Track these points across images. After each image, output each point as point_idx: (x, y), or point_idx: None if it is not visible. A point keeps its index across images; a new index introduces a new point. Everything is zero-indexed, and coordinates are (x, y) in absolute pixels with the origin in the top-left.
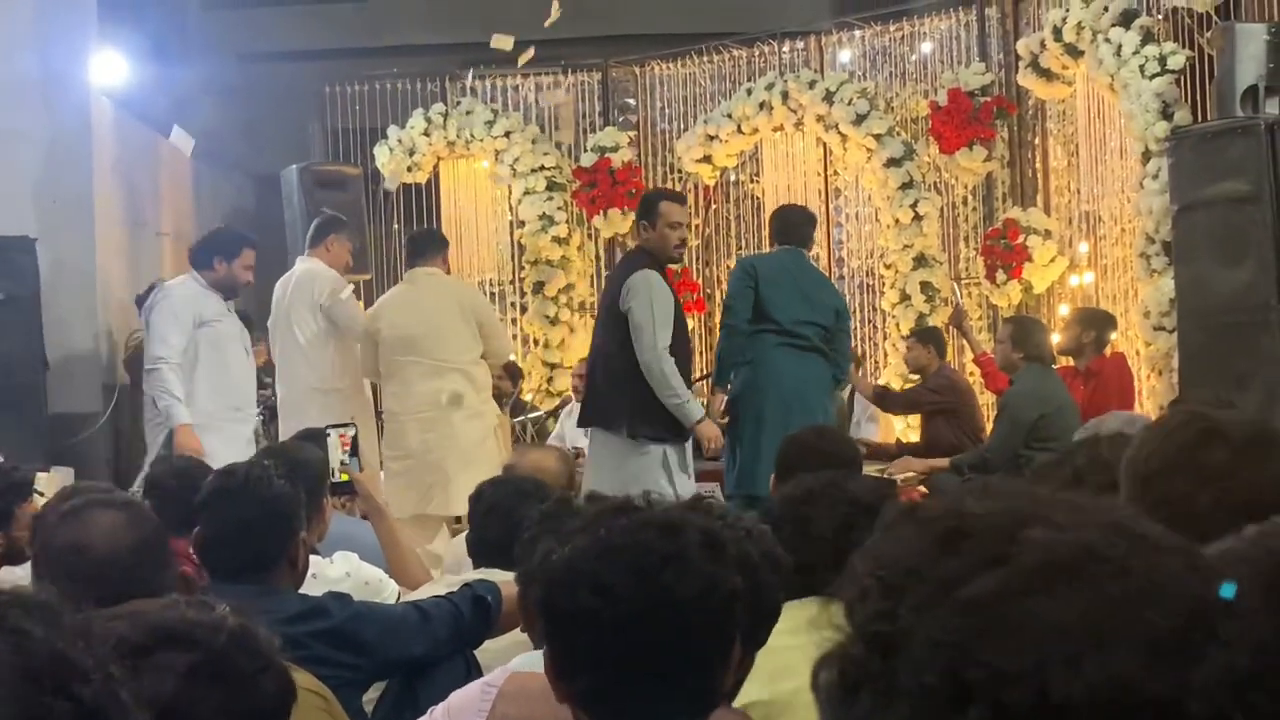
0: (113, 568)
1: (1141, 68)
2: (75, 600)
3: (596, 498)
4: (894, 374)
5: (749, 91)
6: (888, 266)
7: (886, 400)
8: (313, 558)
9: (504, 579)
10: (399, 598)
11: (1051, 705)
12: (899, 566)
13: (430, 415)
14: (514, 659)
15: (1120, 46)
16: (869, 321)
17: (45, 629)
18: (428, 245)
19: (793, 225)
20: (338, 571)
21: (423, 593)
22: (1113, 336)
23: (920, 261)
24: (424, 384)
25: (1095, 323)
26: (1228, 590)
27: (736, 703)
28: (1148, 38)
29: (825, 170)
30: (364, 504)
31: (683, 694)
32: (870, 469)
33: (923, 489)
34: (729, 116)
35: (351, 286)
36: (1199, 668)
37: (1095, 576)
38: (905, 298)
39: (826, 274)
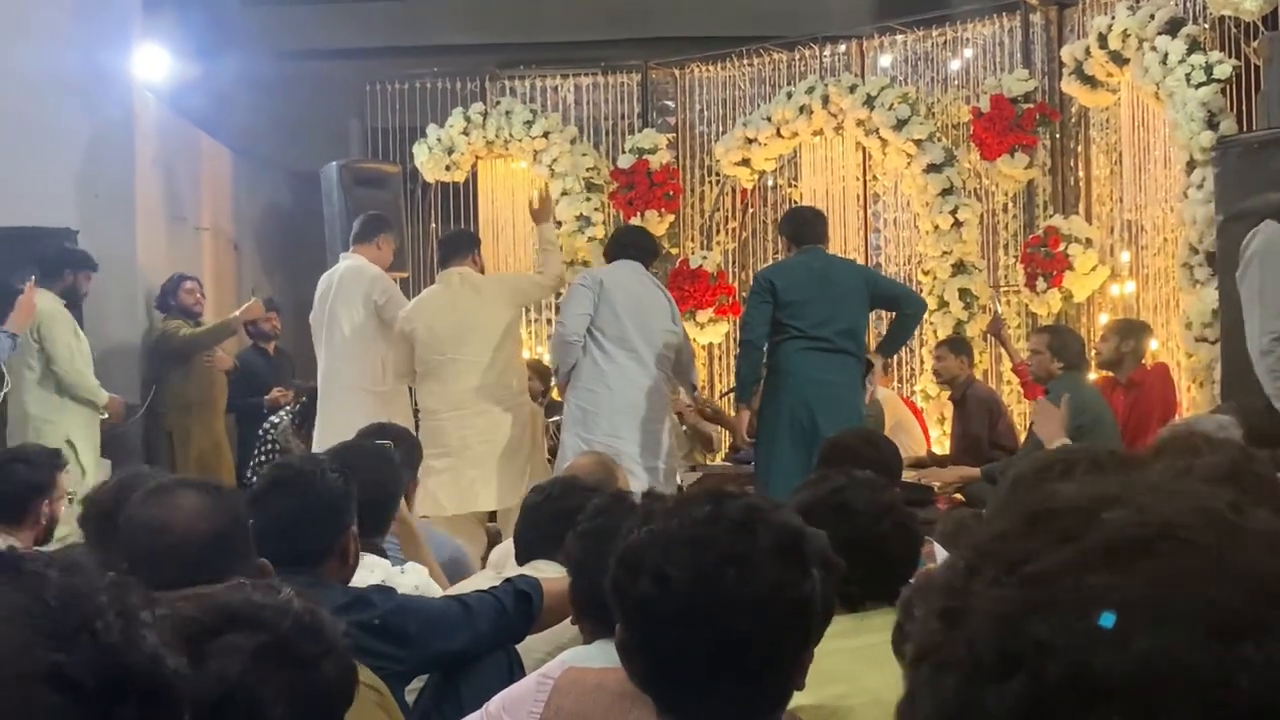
0: (186, 551)
1: (1187, 76)
2: (147, 580)
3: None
4: (929, 380)
5: (789, 95)
6: (926, 273)
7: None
8: (384, 562)
9: (546, 575)
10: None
11: (1090, 679)
12: (981, 547)
13: (468, 412)
14: (566, 652)
15: (1166, 55)
16: None
17: (61, 572)
18: (457, 245)
19: (806, 225)
20: (408, 583)
21: (465, 587)
22: (1152, 346)
23: (959, 268)
24: (461, 382)
25: (1133, 333)
26: (1107, 619)
27: None
28: (1194, 46)
29: (864, 175)
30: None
31: (741, 693)
32: (907, 475)
33: (959, 496)
34: (768, 120)
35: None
36: (1260, 646)
37: (1163, 553)
38: (943, 304)
39: None
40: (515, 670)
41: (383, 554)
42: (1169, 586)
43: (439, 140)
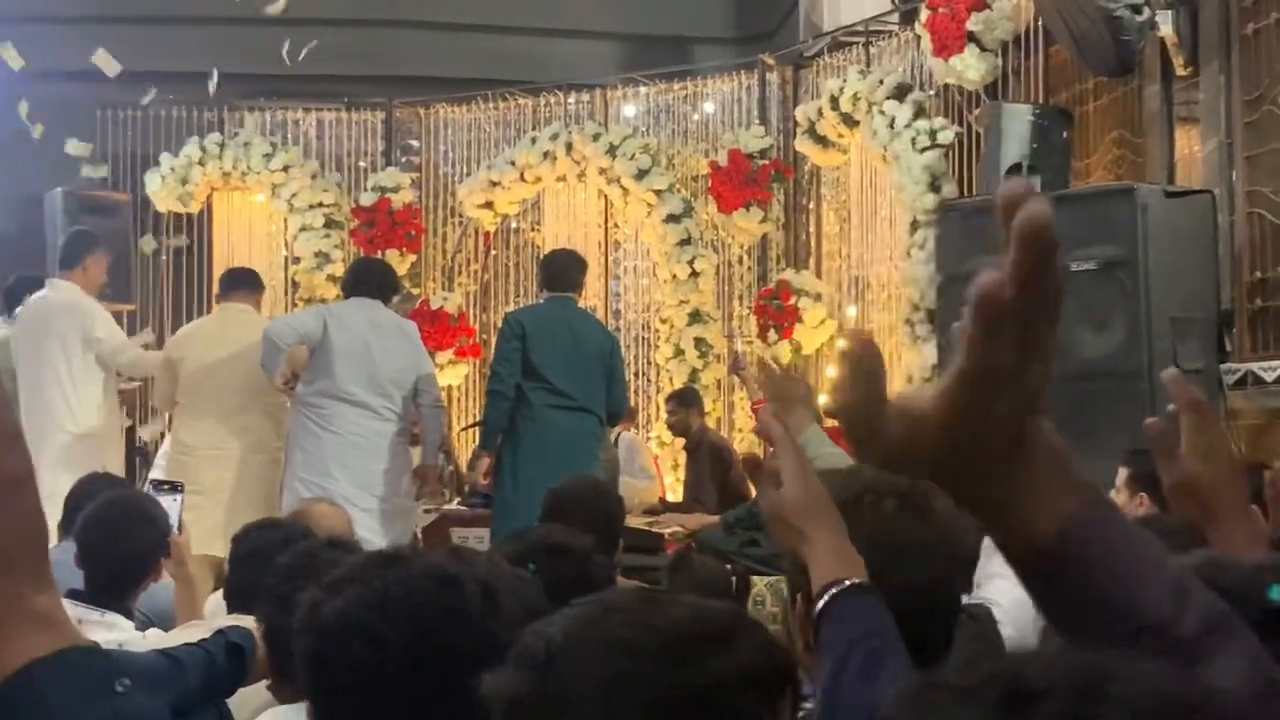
0: None
1: (913, 140)
2: None
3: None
4: (663, 427)
5: (533, 140)
6: (663, 321)
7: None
8: (128, 623)
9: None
10: None
11: None
12: None
13: (228, 454)
14: (264, 714)
15: (894, 119)
16: (643, 375)
17: None
18: (244, 281)
19: (561, 271)
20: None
21: (175, 638)
22: None
23: (695, 317)
24: (225, 421)
25: None
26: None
27: None
28: (920, 112)
29: (606, 222)
30: (175, 569)
31: None
32: (639, 522)
33: (691, 543)
34: (512, 164)
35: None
36: None
37: None
38: (679, 352)
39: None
40: None
41: (130, 615)
42: None
43: (173, 170)
